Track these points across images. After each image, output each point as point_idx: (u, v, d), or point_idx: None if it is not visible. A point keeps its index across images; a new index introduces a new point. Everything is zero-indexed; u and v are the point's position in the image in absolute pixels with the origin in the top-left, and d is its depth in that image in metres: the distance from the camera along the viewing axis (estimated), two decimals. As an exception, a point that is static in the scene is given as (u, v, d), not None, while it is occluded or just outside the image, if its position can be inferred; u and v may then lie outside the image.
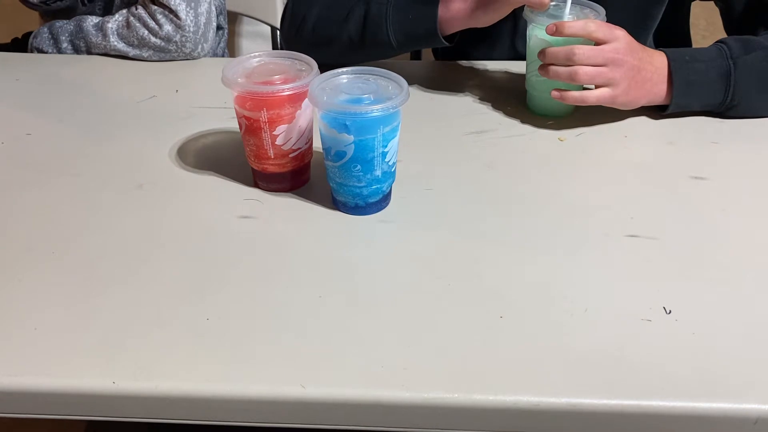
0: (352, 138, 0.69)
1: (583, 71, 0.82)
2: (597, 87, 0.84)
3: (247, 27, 1.64)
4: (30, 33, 1.26)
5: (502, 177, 0.81)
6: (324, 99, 0.70)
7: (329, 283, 0.66)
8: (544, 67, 0.85)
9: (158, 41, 1.05)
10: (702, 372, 0.57)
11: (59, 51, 1.11)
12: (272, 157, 0.76)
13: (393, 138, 0.71)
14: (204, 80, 1.03)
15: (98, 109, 0.96)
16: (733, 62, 0.85)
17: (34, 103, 0.98)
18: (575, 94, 0.85)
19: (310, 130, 0.77)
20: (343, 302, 0.64)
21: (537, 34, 0.88)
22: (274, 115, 0.73)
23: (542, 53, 0.84)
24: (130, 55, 1.07)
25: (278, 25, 1.44)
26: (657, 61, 0.86)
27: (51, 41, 1.12)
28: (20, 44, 1.27)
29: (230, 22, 1.53)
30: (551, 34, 0.83)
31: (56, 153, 0.87)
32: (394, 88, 0.71)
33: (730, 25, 1.00)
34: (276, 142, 0.75)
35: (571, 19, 0.86)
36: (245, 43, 1.67)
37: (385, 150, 0.71)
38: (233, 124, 0.81)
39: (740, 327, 0.61)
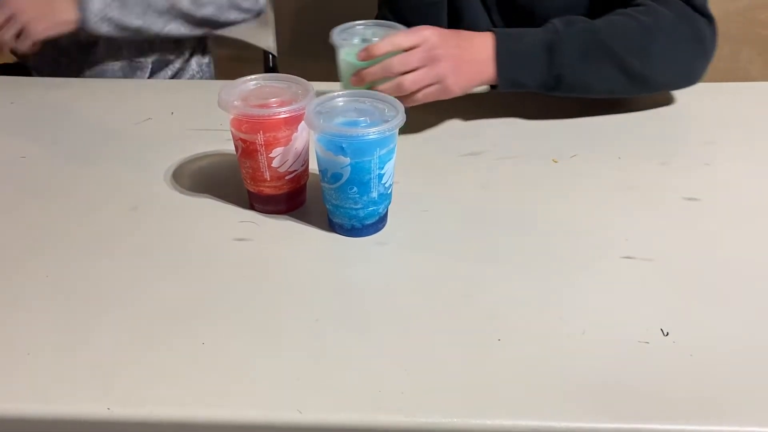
0: (348, 160, 0.69)
1: (408, 80, 0.81)
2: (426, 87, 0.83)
3: (239, 50, 1.65)
4: (4, 64, 1.26)
5: (498, 198, 0.82)
6: (320, 122, 0.70)
7: (326, 306, 0.66)
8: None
9: None
10: (700, 394, 0.57)
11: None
12: (268, 179, 0.76)
13: (389, 160, 0.72)
14: (200, 102, 1.03)
15: (93, 132, 0.96)
16: (557, 35, 0.87)
17: (28, 126, 0.98)
18: (407, 101, 0.82)
19: (307, 152, 0.77)
20: (340, 325, 0.64)
21: (347, 59, 0.87)
22: (271, 138, 0.73)
23: (358, 76, 0.83)
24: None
25: (270, 50, 1.45)
26: (477, 41, 0.87)
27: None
28: (12, 68, 1.27)
29: (223, 47, 1.54)
30: (363, 60, 0.82)
31: (51, 175, 0.87)
32: (390, 111, 0.72)
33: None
34: (272, 165, 0.75)
35: (376, 41, 0.85)
36: (238, 67, 1.68)
37: (382, 172, 0.71)
38: (229, 147, 0.81)
39: (738, 348, 0.61)
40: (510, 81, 0.88)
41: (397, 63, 0.81)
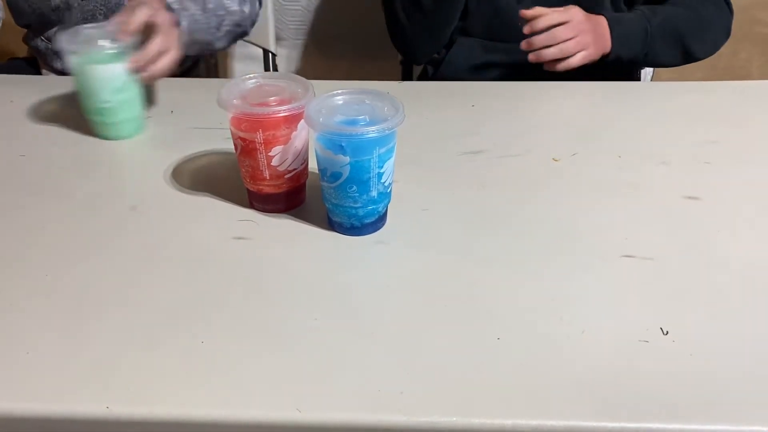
0: (348, 159, 0.69)
1: (571, 44, 1.05)
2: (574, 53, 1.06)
3: (239, 49, 1.65)
4: (14, 58, 1.25)
5: (498, 197, 0.82)
6: (320, 120, 0.70)
7: (325, 305, 0.66)
8: (537, 53, 1.05)
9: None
10: (700, 393, 0.57)
11: None
12: (268, 178, 0.76)
13: (389, 159, 0.72)
14: (199, 101, 1.03)
15: (92, 131, 0.96)
16: (648, 22, 1.12)
17: (27, 125, 0.98)
18: (564, 64, 1.06)
19: (306, 151, 0.77)
20: (339, 324, 0.64)
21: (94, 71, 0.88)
22: (270, 137, 0.73)
23: (529, 43, 1.05)
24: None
25: (270, 48, 1.45)
26: (597, 20, 1.10)
27: None
28: (22, 62, 1.27)
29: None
30: (533, 26, 1.03)
31: (49, 175, 0.87)
32: (390, 110, 0.72)
33: None
34: (271, 163, 0.75)
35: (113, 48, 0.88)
36: (238, 66, 1.68)
37: (381, 171, 0.71)
38: (228, 145, 0.81)
39: (738, 347, 0.61)
40: (617, 55, 1.10)
41: (560, 33, 1.05)
